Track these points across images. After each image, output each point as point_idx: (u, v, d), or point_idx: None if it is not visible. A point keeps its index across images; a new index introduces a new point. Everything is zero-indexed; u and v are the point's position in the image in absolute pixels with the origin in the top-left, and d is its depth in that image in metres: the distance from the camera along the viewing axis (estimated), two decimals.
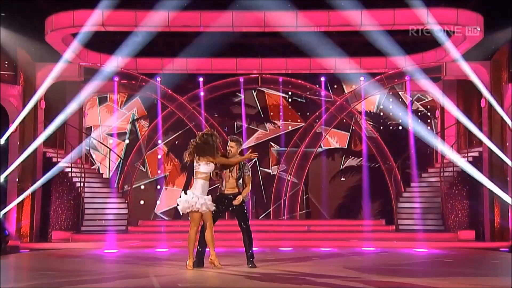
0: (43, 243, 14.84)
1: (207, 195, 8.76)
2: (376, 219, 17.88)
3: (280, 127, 19.73)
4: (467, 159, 16.17)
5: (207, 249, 8.91)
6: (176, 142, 19.71)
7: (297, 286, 7.48)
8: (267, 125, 19.83)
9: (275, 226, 16.79)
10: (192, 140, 8.88)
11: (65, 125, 16.56)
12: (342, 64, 17.22)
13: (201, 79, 17.97)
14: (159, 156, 19.30)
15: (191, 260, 8.74)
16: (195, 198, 8.62)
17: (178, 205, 8.80)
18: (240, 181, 9.02)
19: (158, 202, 18.79)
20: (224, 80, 17.91)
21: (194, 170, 8.79)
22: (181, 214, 8.88)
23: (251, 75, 17.82)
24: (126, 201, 16.55)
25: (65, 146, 16.78)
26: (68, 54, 15.60)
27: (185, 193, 8.74)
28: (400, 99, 19.10)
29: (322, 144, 19.04)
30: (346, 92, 18.98)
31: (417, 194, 16.62)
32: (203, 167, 8.71)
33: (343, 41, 16.58)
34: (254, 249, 9.08)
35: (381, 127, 19.33)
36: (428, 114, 19.10)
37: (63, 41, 15.07)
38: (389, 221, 16.57)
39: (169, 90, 17.49)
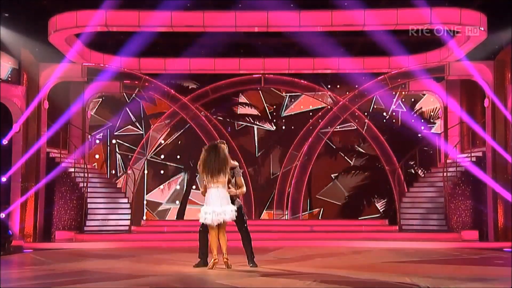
0: (46, 243, 14.85)
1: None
2: (379, 219, 17.88)
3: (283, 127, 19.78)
4: (471, 159, 16.14)
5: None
6: (179, 142, 19.76)
7: (298, 285, 7.48)
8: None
9: (278, 226, 16.77)
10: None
11: (68, 125, 16.60)
12: (345, 64, 17.22)
13: None
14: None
15: (213, 259, 8.66)
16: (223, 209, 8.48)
17: (205, 218, 8.52)
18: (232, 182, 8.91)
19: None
20: (227, 80, 17.93)
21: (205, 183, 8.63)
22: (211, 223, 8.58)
23: (254, 75, 17.83)
24: (129, 201, 16.55)
25: (68, 146, 16.82)
26: (72, 55, 15.64)
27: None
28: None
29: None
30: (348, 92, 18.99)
31: (420, 194, 16.60)
32: (222, 177, 8.58)
33: (346, 41, 16.57)
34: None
35: (384, 127, 19.32)
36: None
37: (67, 41, 15.10)
38: (393, 221, 16.54)
39: (172, 90, 17.52)
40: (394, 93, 18.49)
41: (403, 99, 19.43)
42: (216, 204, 8.48)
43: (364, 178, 19.58)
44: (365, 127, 18.14)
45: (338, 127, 18.65)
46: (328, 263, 10.15)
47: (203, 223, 8.83)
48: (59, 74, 15.79)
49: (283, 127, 19.89)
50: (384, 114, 19.63)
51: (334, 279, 7.95)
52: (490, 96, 15.43)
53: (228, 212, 8.49)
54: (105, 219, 15.85)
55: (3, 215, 14.66)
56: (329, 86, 18.79)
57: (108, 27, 14.27)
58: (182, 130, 19.27)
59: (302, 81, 18.00)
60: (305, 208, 18.95)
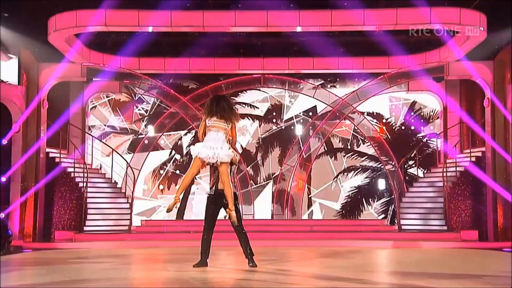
0: (46, 243, 14.85)
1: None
2: (379, 219, 17.89)
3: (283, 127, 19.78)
4: (470, 159, 16.14)
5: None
6: (179, 143, 19.75)
7: (299, 285, 7.48)
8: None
9: (277, 226, 16.77)
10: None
11: (68, 125, 16.60)
12: (345, 64, 17.23)
13: None
14: None
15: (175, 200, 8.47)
16: (213, 149, 8.35)
17: (199, 152, 8.39)
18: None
19: None
20: (227, 80, 17.94)
21: (208, 125, 8.46)
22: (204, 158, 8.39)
23: (253, 75, 17.83)
24: (129, 201, 16.55)
25: (68, 146, 16.82)
26: (71, 54, 15.64)
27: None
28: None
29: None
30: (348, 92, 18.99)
31: (420, 194, 16.61)
32: (223, 124, 8.48)
33: (346, 41, 16.58)
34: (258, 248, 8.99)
35: (384, 127, 19.33)
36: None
37: (66, 41, 15.10)
38: (392, 221, 16.55)
39: (172, 90, 17.51)
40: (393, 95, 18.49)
41: (403, 99, 19.44)
42: (211, 142, 8.49)
43: (364, 178, 19.57)
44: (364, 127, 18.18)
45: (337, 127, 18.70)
46: (328, 263, 10.15)
47: (206, 221, 8.76)
48: (58, 74, 15.81)
49: (283, 127, 19.90)
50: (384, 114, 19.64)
51: (334, 279, 7.95)
52: (490, 96, 15.44)
53: (219, 149, 8.41)
54: (105, 219, 15.84)
55: (2, 215, 14.67)
56: (329, 86, 18.80)
57: (108, 27, 14.27)
58: (183, 132, 19.27)
59: (302, 81, 18.01)
60: (305, 207, 18.96)
